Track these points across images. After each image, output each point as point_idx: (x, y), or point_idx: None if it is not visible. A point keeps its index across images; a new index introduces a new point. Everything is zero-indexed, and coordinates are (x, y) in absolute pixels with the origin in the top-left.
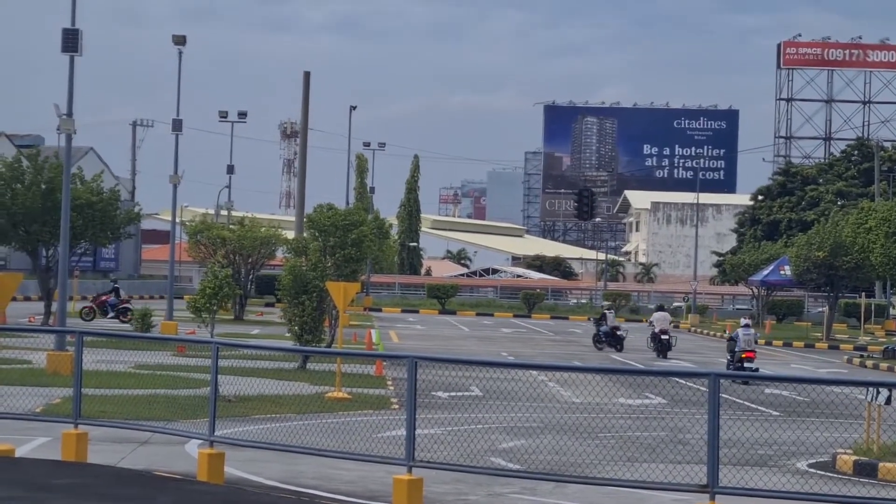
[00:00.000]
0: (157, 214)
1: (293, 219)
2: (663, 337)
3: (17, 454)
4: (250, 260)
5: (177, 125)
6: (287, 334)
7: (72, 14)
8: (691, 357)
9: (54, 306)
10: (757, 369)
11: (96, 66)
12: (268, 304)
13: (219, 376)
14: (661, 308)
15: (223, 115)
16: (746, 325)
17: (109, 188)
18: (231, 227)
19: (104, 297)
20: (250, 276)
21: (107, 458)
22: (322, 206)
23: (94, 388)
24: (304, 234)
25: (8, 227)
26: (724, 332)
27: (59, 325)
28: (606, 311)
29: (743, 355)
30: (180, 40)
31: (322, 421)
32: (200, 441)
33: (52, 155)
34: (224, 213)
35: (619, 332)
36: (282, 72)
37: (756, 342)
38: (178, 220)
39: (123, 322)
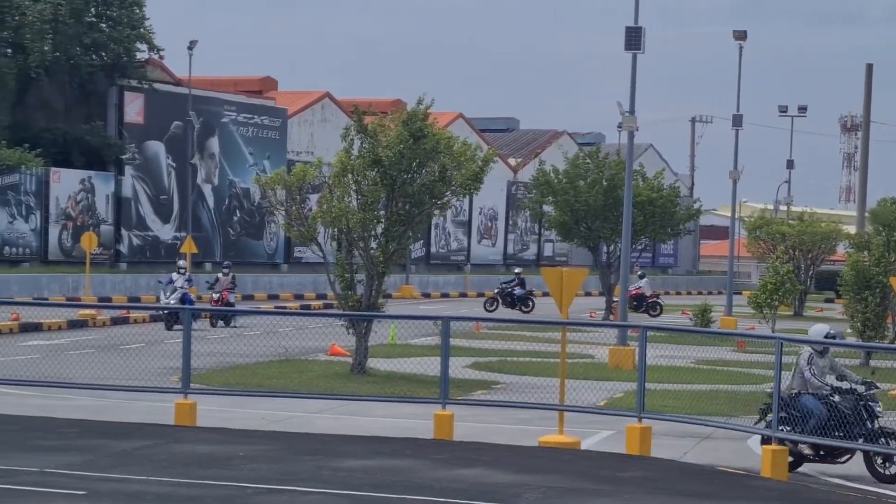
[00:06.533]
0: (715, 210)
1: (853, 213)
2: None
3: (583, 446)
4: (810, 255)
5: (737, 120)
6: (848, 330)
7: (635, 13)
8: None
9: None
10: None
11: (652, 62)
12: (827, 300)
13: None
14: None
15: (783, 109)
16: None
17: (669, 185)
18: (790, 222)
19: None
20: (810, 272)
21: (669, 453)
22: (886, 200)
23: (656, 383)
24: (867, 229)
25: (571, 224)
26: None
27: (621, 321)
28: None
29: None
30: (741, 35)
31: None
32: (762, 437)
33: (615, 152)
34: (783, 208)
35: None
36: (841, 64)
37: None
38: (737, 215)
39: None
